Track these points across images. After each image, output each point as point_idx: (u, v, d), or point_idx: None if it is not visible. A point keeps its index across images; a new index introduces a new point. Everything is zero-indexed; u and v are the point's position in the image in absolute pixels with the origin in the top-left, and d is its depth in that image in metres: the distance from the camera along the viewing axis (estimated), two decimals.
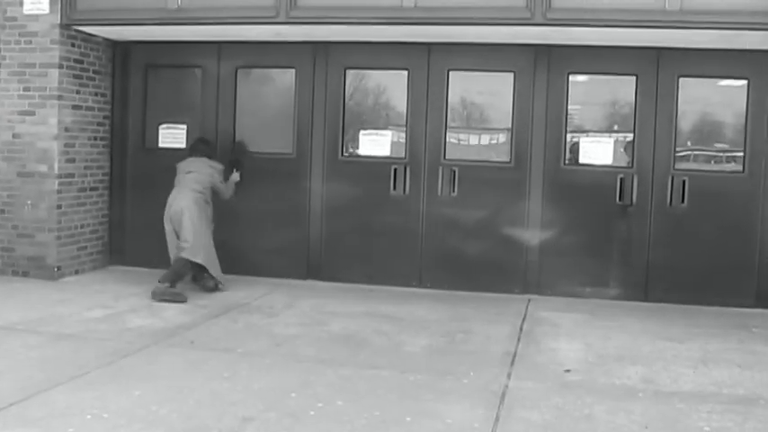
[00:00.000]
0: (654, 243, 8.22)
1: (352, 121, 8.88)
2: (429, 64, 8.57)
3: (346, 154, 8.85)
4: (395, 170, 8.61)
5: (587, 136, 8.42)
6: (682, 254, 8.15)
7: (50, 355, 5.72)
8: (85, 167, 8.86)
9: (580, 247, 8.35)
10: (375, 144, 8.75)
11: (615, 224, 8.31)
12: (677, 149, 8.20)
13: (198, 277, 8.07)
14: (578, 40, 7.99)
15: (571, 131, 8.44)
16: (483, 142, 8.78)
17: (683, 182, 8.11)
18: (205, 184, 8.04)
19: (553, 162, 8.37)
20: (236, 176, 8.54)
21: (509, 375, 5.56)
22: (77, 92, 8.64)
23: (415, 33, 8.09)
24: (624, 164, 8.31)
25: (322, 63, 8.80)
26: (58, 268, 8.48)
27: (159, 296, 7.56)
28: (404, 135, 8.69)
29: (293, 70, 8.90)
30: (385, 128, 8.82)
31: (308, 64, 8.83)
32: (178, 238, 7.86)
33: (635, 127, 8.23)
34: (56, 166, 8.37)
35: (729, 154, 8.23)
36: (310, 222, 8.89)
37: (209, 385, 5.11)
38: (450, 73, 8.54)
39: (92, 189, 9.00)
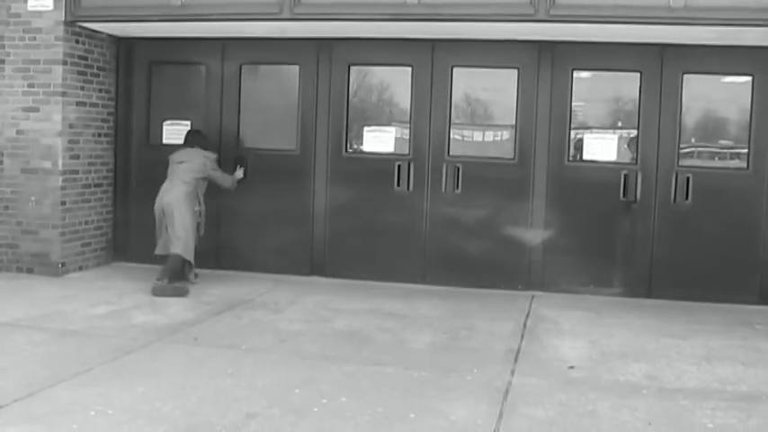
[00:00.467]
0: (658, 240, 8.21)
1: (355, 118, 8.89)
2: (433, 60, 8.56)
3: (350, 150, 8.85)
4: (398, 167, 8.61)
5: (591, 132, 8.41)
6: (685, 251, 8.14)
7: (55, 352, 5.73)
8: (89, 164, 8.87)
9: (584, 244, 8.34)
10: (379, 141, 8.75)
11: (619, 221, 8.30)
12: (681, 146, 8.19)
13: (183, 269, 8.09)
14: (582, 37, 7.98)
15: (575, 128, 8.42)
16: (487, 139, 8.78)
17: (687, 178, 8.09)
18: (197, 174, 8.03)
19: (557, 158, 8.37)
20: (239, 173, 8.58)
21: (512, 372, 5.57)
22: (81, 88, 8.65)
23: (419, 30, 8.08)
24: (628, 160, 8.30)
25: (326, 60, 8.80)
26: (62, 265, 8.49)
27: (161, 292, 7.58)
28: (408, 132, 8.69)
29: (297, 67, 8.91)
30: (389, 124, 8.82)
31: (311, 61, 8.83)
32: (166, 230, 7.89)
33: (639, 124, 8.21)
34: (60, 162, 8.38)
35: (734, 151, 8.21)
36: (314, 219, 8.89)
37: (212, 382, 5.12)
38: (454, 69, 8.53)
39: (96, 185, 9.01)
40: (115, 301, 7.43)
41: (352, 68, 8.82)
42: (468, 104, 8.74)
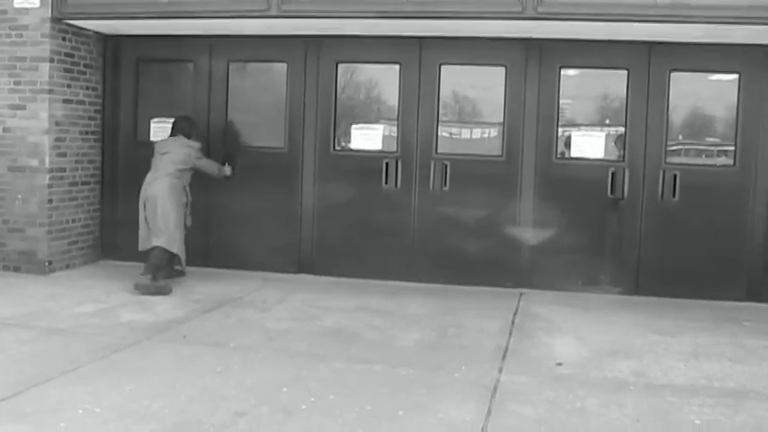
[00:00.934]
0: (645, 237, 8.24)
1: (343, 115, 8.88)
2: (421, 58, 8.56)
3: (338, 148, 8.85)
4: (386, 164, 8.61)
5: (579, 130, 8.43)
6: (673, 247, 8.17)
7: (42, 350, 5.71)
8: (77, 162, 8.83)
9: (572, 241, 8.36)
10: (367, 138, 8.75)
11: (606, 218, 8.32)
12: (669, 143, 8.22)
13: (168, 262, 8.01)
14: (570, 34, 7.99)
15: (563, 125, 8.44)
16: (475, 136, 8.79)
17: (675, 176, 8.13)
18: (181, 166, 7.91)
19: (545, 156, 8.38)
20: (227, 170, 8.53)
21: (501, 369, 5.57)
22: (68, 86, 8.60)
23: (407, 27, 8.08)
24: (615, 158, 8.32)
25: (314, 57, 8.79)
26: (50, 263, 8.45)
27: (143, 290, 7.54)
28: (395, 129, 8.68)
29: (285, 64, 8.89)
30: (377, 122, 8.82)
31: (299, 58, 8.81)
32: (147, 224, 7.81)
33: (626, 121, 8.24)
34: (47, 160, 8.34)
35: (721, 148, 8.24)
36: (302, 217, 8.88)
37: (201, 380, 5.11)
38: (442, 67, 8.54)
39: (83, 183, 8.97)
40: (103, 299, 7.40)
41: (340, 66, 8.81)
42: (455, 102, 8.75)
